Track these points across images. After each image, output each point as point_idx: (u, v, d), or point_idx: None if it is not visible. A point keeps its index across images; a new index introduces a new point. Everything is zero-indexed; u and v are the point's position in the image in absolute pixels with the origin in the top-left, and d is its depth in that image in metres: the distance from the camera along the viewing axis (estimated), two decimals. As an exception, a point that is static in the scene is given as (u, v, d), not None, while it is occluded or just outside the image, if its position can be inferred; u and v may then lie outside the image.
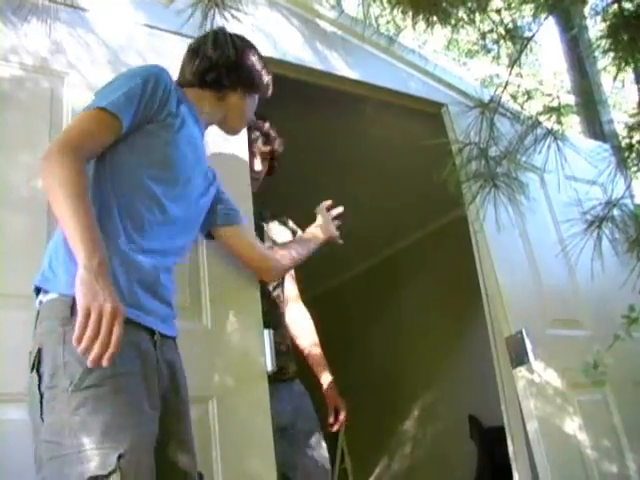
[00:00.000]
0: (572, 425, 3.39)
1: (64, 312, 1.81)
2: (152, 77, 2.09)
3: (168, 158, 2.10)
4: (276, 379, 2.83)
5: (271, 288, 3.15)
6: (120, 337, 1.66)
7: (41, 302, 1.90)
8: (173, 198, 2.11)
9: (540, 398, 3.35)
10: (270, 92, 2.57)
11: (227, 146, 2.91)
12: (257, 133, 3.16)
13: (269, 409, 2.60)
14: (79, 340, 1.62)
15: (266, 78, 2.50)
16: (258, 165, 3.15)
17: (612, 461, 3.46)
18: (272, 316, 3.00)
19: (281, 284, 3.26)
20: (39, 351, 1.80)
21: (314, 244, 2.95)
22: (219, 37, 2.40)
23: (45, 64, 2.60)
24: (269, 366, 2.67)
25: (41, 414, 1.75)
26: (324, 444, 3.13)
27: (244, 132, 3.01)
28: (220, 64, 2.35)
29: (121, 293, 1.87)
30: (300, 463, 3.01)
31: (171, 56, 2.72)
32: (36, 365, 1.79)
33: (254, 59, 2.45)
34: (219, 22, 2.38)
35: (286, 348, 3.14)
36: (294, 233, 3.36)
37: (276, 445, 2.60)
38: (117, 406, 1.74)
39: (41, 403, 1.74)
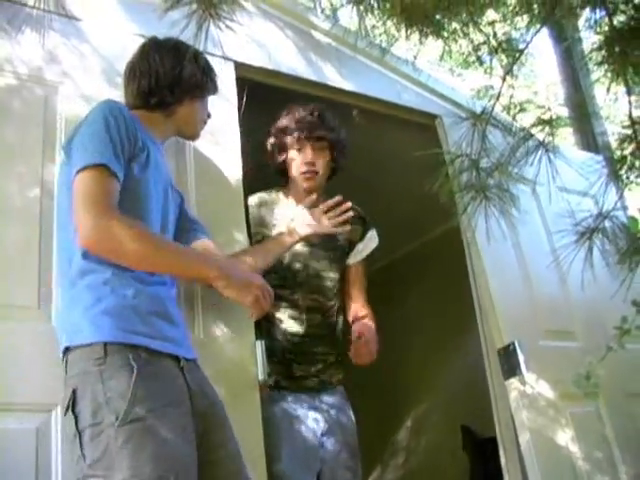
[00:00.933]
0: (564, 437, 3.39)
1: (98, 353, 1.86)
2: (119, 116, 2.10)
3: (143, 195, 2.13)
4: (319, 389, 3.01)
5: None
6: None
7: (68, 351, 1.93)
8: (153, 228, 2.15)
9: (532, 410, 3.35)
10: (218, 88, 2.58)
11: (218, 153, 2.93)
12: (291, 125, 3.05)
13: (260, 419, 2.60)
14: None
15: (210, 78, 2.49)
16: (307, 157, 3.03)
17: (604, 473, 3.46)
18: (324, 326, 3.08)
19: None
20: (74, 392, 1.84)
21: (280, 248, 2.82)
22: (150, 52, 2.40)
23: (39, 73, 2.61)
24: (260, 376, 2.66)
25: (82, 451, 1.79)
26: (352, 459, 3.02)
27: (237, 142, 3.01)
28: (160, 85, 2.34)
29: (142, 324, 1.95)
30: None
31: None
32: (71, 406, 1.83)
33: (193, 65, 2.41)
34: (213, 32, 2.38)
35: (334, 359, 3.11)
36: None
37: (313, 452, 2.86)
38: (162, 438, 1.80)
39: (81, 441, 1.79)
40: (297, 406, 2.93)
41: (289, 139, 3.03)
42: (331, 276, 3.13)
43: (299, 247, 3.02)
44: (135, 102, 2.37)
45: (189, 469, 1.84)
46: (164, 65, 2.34)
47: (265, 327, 2.95)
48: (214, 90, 2.54)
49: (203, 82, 2.44)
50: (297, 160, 3.05)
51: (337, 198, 2.89)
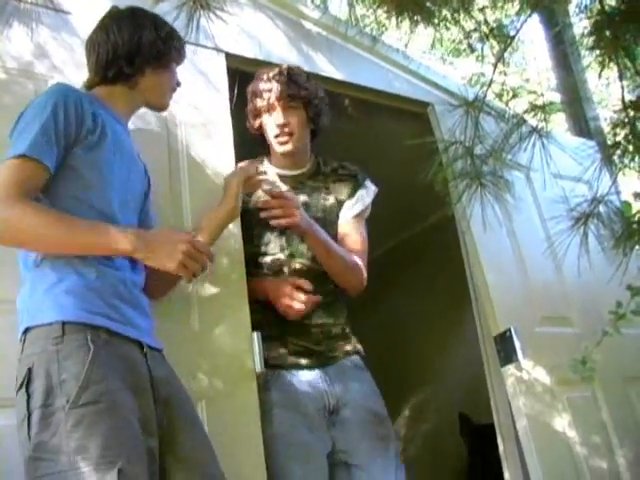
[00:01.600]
0: (561, 422, 3.40)
1: (56, 332, 1.83)
2: (60, 102, 2.05)
3: (100, 180, 2.08)
4: (320, 364, 2.76)
5: None
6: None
7: (27, 331, 1.90)
8: (121, 212, 2.12)
9: (529, 396, 3.36)
10: (184, 55, 2.48)
11: (210, 145, 2.92)
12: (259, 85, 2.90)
13: (258, 410, 2.59)
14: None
15: (172, 46, 2.37)
16: (278, 118, 2.86)
17: (602, 457, 3.47)
18: (319, 294, 2.76)
19: None
20: (29, 370, 1.81)
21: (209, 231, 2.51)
22: (108, 24, 2.32)
23: (29, 68, 2.59)
24: (257, 367, 2.66)
25: (28, 432, 1.76)
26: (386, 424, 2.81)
27: (229, 133, 3.00)
28: (117, 55, 2.26)
29: (104, 306, 1.93)
30: (359, 446, 2.67)
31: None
32: (25, 384, 1.80)
33: (152, 33, 2.30)
34: (204, 23, 2.37)
35: (340, 330, 2.87)
36: None
37: (326, 431, 2.66)
38: (113, 422, 1.76)
39: (29, 422, 1.76)
40: (296, 386, 2.70)
41: (259, 102, 2.89)
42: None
43: None
44: (95, 78, 2.31)
45: (139, 456, 1.79)
46: (122, 35, 2.26)
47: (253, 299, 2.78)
48: (179, 58, 2.44)
49: (165, 50, 2.33)
50: (269, 123, 2.90)
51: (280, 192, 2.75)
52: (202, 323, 2.62)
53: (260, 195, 2.80)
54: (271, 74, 2.88)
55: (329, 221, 2.93)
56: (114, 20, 2.31)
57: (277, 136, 2.87)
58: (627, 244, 2.67)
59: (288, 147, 2.87)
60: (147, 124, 2.78)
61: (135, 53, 2.26)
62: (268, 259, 2.84)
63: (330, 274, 2.84)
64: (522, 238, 3.84)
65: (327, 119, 3.01)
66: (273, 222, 2.68)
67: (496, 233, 3.61)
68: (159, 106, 2.48)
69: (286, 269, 2.82)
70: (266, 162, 3.01)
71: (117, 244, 1.96)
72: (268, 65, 3.19)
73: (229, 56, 3.18)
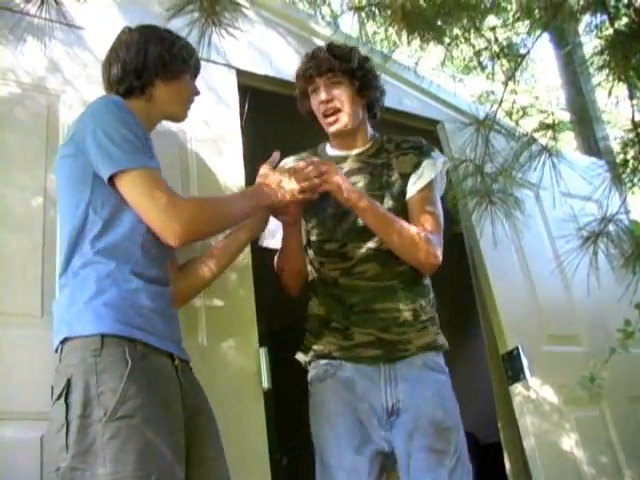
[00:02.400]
0: (569, 442, 3.39)
1: (95, 344, 1.86)
2: (132, 114, 2.13)
3: None
4: (388, 358, 2.52)
5: None
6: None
7: (66, 341, 1.92)
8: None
9: (537, 415, 3.35)
10: (199, 63, 2.49)
11: (221, 161, 2.93)
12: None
13: (265, 426, 2.60)
14: None
15: (180, 56, 2.38)
16: (321, 95, 2.69)
17: (609, 477, 3.46)
18: (388, 276, 2.59)
19: None
20: (68, 381, 1.83)
21: (235, 246, 2.54)
22: (117, 44, 2.35)
23: (41, 82, 2.61)
24: (265, 384, 2.66)
25: (66, 441, 1.78)
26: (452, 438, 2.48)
27: (239, 149, 3.02)
28: (126, 72, 2.30)
29: (141, 319, 1.96)
30: (411, 459, 2.43)
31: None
32: (64, 395, 1.82)
33: (157, 46, 2.33)
34: (215, 40, 2.39)
35: (411, 316, 2.58)
36: None
37: (381, 430, 2.45)
38: (148, 436, 1.80)
39: (67, 431, 1.78)
40: (356, 379, 2.51)
41: (302, 83, 2.76)
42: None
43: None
44: (111, 94, 2.34)
45: (173, 471, 1.84)
46: (130, 53, 2.30)
47: (321, 291, 2.66)
48: (189, 69, 2.44)
49: (172, 61, 2.34)
50: (315, 104, 2.74)
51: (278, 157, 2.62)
52: (210, 339, 2.62)
53: None
54: (311, 52, 2.77)
55: (392, 197, 2.67)
56: (123, 40, 2.35)
57: (325, 116, 2.72)
58: (636, 263, 2.66)
59: (337, 126, 2.70)
60: (157, 139, 2.78)
61: (142, 67, 2.30)
62: (332, 246, 2.66)
63: (393, 250, 2.57)
64: (530, 256, 3.84)
65: (380, 94, 2.84)
66: (312, 191, 2.47)
67: (505, 251, 3.61)
68: (175, 116, 2.50)
69: (351, 254, 2.62)
70: (328, 146, 2.87)
71: (261, 202, 2.38)
72: (279, 82, 3.21)
73: (240, 72, 3.19)
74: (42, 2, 2.31)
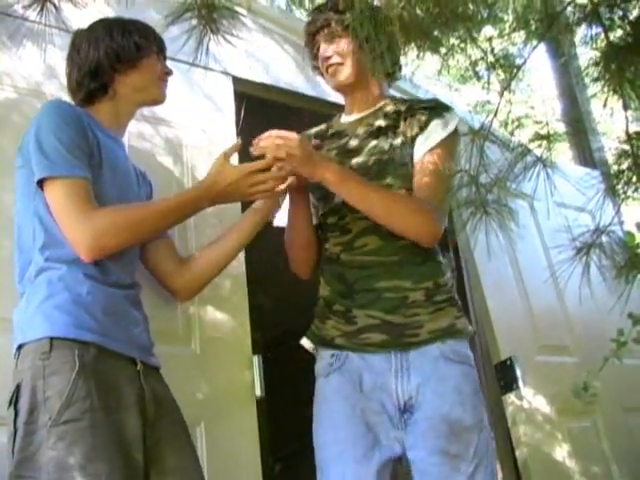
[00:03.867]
0: (561, 452, 3.40)
1: (44, 348, 1.82)
2: (75, 118, 2.08)
3: (97, 194, 2.06)
4: (397, 343, 2.24)
5: None
6: None
7: (21, 347, 1.89)
8: None
9: (529, 425, 3.35)
10: (159, 40, 2.39)
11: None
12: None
13: (257, 434, 2.60)
14: None
15: (132, 42, 2.28)
16: (324, 47, 2.51)
17: (602, 488, 3.47)
18: (390, 251, 2.33)
19: None
20: (18, 386, 1.81)
21: (255, 216, 2.44)
22: (70, 49, 2.30)
23: (38, 87, 2.61)
24: (258, 391, 2.66)
25: (13, 447, 1.75)
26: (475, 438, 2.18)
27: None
28: (81, 75, 2.25)
29: (94, 321, 1.91)
30: (424, 463, 2.16)
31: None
32: (14, 401, 1.80)
33: (105, 41, 2.25)
34: (212, 47, 2.39)
35: (423, 296, 2.29)
36: None
37: (393, 430, 2.19)
38: (95, 440, 1.74)
39: (14, 438, 1.75)
40: (363, 373, 2.27)
41: (308, 42, 2.61)
42: (389, 183, 2.39)
43: (339, 158, 2.46)
44: (76, 102, 2.30)
45: (120, 475, 1.76)
46: (80, 55, 2.25)
47: (327, 270, 2.44)
48: (146, 52, 2.32)
49: (124, 53, 2.26)
50: (319, 63, 2.57)
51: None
52: (203, 346, 2.62)
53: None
54: (311, 10, 2.60)
55: (391, 165, 2.41)
56: (76, 42, 2.30)
57: (327, 70, 2.52)
58: (630, 274, 2.67)
59: (339, 77, 2.50)
60: (153, 146, 2.80)
61: (96, 66, 2.24)
62: (333, 218, 2.44)
63: (384, 225, 2.31)
64: (524, 266, 3.86)
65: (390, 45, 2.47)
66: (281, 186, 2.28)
67: (498, 261, 3.62)
68: (149, 101, 2.41)
69: (350, 226, 2.39)
70: (342, 115, 2.67)
71: (197, 206, 2.20)
72: (275, 90, 3.21)
73: (236, 80, 3.20)
74: (42, 8, 2.30)
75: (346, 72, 2.48)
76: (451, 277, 2.43)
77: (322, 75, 2.62)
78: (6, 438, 1.82)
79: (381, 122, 2.50)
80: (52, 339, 1.83)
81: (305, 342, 2.43)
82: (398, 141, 2.44)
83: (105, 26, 2.29)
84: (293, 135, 2.25)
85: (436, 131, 2.44)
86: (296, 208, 2.47)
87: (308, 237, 2.50)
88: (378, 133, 2.48)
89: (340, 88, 2.57)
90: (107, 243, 1.97)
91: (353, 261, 2.35)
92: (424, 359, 2.23)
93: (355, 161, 2.44)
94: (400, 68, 2.60)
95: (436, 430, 2.15)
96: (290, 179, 2.28)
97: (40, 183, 1.99)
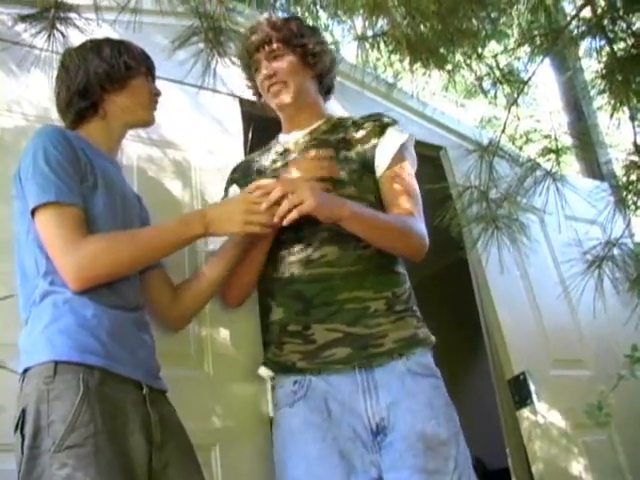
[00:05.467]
0: (577, 466, 3.37)
1: (48, 372, 1.80)
2: (65, 142, 2.06)
3: (92, 216, 2.04)
4: (362, 356, 2.19)
5: None
6: None
7: (26, 372, 1.87)
8: None
9: (545, 440, 3.33)
10: (149, 61, 2.36)
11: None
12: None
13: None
14: None
15: (121, 62, 2.26)
16: (265, 69, 2.48)
17: (619, 502, 3.45)
18: (350, 261, 2.27)
19: None
20: (23, 411, 1.79)
21: (234, 248, 2.36)
22: (59, 71, 2.28)
23: (46, 114, 2.62)
24: (271, 412, 2.65)
25: (19, 473, 1.73)
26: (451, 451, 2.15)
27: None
28: (70, 95, 2.24)
29: (99, 345, 1.89)
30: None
31: (173, 105, 2.75)
32: (20, 426, 1.78)
33: (94, 61, 2.24)
34: (219, 70, 2.40)
35: (385, 305, 2.25)
36: None
37: (368, 455, 2.13)
38: (98, 466, 1.71)
39: (21, 463, 1.73)
40: (328, 399, 2.20)
41: (245, 63, 2.56)
42: (351, 194, 2.32)
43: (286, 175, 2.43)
44: (67, 123, 2.30)
45: None
46: (69, 75, 2.24)
47: (278, 292, 2.36)
48: (136, 72, 2.30)
49: (114, 72, 2.25)
50: (260, 81, 2.53)
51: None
52: (216, 368, 2.61)
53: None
54: (249, 28, 2.54)
55: (351, 175, 2.39)
56: (64, 63, 2.29)
57: (268, 89, 2.50)
58: (642, 287, 2.67)
59: (284, 97, 2.49)
60: (162, 169, 2.80)
61: (85, 86, 2.22)
62: (289, 233, 2.33)
63: (385, 249, 2.30)
64: (535, 280, 3.84)
65: (330, 62, 2.60)
66: (284, 221, 2.13)
67: (510, 276, 3.61)
68: (138, 122, 2.39)
69: (308, 239, 2.32)
70: (279, 136, 2.66)
71: (187, 234, 2.11)
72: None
73: (243, 101, 3.20)
74: (49, 35, 2.32)
75: (290, 91, 2.47)
76: (408, 288, 2.40)
77: (258, 95, 2.63)
78: (9, 465, 1.81)
79: (326, 136, 2.49)
80: (56, 363, 1.81)
81: (262, 371, 2.39)
82: (353, 153, 2.43)
83: (94, 46, 2.27)
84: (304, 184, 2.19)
85: (392, 140, 2.43)
86: (258, 244, 2.39)
87: (256, 275, 2.46)
88: (328, 148, 2.45)
89: (284, 107, 2.53)
90: (94, 273, 1.94)
91: (312, 275, 2.28)
92: (391, 376, 2.18)
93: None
94: (332, 87, 2.66)
95: (413, 449, 2.10)
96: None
97: (32, 211, 1.97)
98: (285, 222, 2.12)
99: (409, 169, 2.45)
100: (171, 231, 2.12)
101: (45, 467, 1.69)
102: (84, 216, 1.99)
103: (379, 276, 2.30)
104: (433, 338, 2.36)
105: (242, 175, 2.61)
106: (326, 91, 2.65)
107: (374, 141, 2.42)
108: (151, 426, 1.92)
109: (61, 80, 2.27)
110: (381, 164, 2.40)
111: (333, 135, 2.49)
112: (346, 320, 2.21)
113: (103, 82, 2.23)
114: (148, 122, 2.39)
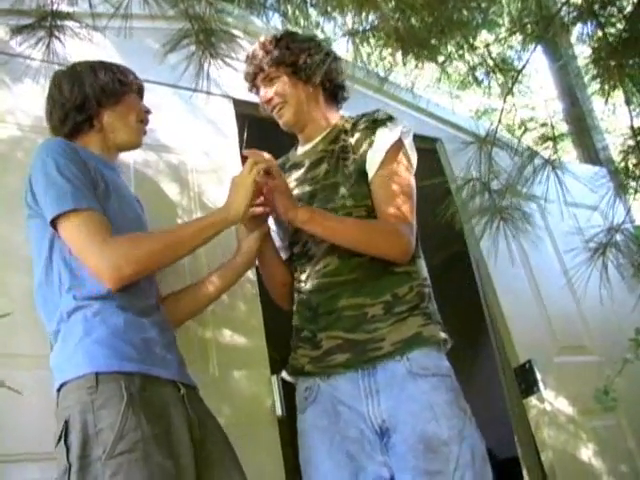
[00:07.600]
0: (587, 452, 3.37)
1: (90, 383, 1.84)
2: (72, 152, 2.09)
3: (116, 230, 2.06)
4: (361, 360, 2.23)
5: None
6: None
7: (63, 386, 1.90)
8: None
9: (553, 427, 3.33)
10: (139, 81, 2.41)
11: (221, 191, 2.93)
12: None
13: (280, 455, 2.58)
14: None
15: (119, 77, 2.33)
16: (263, 91, 2.56)
17: (630, 486, 3.44)
18: (348, 269, 2.34)
19: None
20: (66, 422, 1.81)
21: (233, 274, 2.45)
22: (51, 89, 2.32)
23: (41, 123, 2.60)
24: (279, 411, 2.65)
25: None
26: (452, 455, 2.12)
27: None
28: (65, 111, 2.27)
29: (135, 351, 1.93)
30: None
31: (166, 109, 2.74)
32: (63, 437, 1.80)
33: (90, 77, 2.29)
34: (212, 72, 2.39)
35: (383, 310, 2.27)
36: None
37: (378, 455, 2.16)
38: (149, 470, 1.76)
39: (69, 474, 1.75)
40: (334, 401, 2.25)
41: (252, 89, 2.64)
42: (345, 203, 2.39)
43: (297, 190, 2.51)
44: (61, 137, 2.28)
45: None
46: (63, 93, 2.27)
47: (296, 299, 2.45)
48: (129, 89, 2.36)
49: (109, 86, 2.29)
50: (263, 104, 2.61)
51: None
52: (221, 369, 2.61)
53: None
54: (246, 56, 2.58)
55: (347, 183, 2.43)
56: (56, 83, 2.32)
57: (272, 111, 2.58)
58: (646, 271, 2.66)
59: (285, 116, 2.55)
60: (158, 172, 2.80)
61: (82, 100, 2.26)
62: (298, 247, 2.48)
63: (359, 251, 2.33)
64: (537, 269, 3.84)
65: (329, 70, 2.57)
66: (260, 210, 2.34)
67: (511, 265, 3.61)
68: (128, 144, 2.40)
69: (313, 252, 2.42)
70: (292, 151, 2.71)
71: (221, 222, 2.18)
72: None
73: (237, 102, 3.20)
74: (48, 44, 2.31)
75: (288, 112, 2.53)
76: (417, 284, 2.38)
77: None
78: (37, 475, 1.81)
79: (330, 146, 2.52)
80: (97, 374, 1.84)
81: (285, 375, 2.44)
82: (350, 160, 2.46)
83: (88, 66, 2.32)
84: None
85: (381, 142, 2.44)
86: (264, 250, 2.48)
87: (282, 274, 2.54)
88: (331, 158, 2.49)
89: (288, 126, 2.58)
90: (128, 272, 1.98)
91: (315, 285, 2.37)
92: (392, 379, 2.20)
93: (311, 189, 2.48)
94: (345, 91, 2.66)
95: (414, 451, 2.11)
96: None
97: (53, 223, 2.00)
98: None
99: (400, 168, 2.44)
100: (196, 220, 2.28)
101: (98, 475, 1.73)
102: (104, 219, 2.02)
103: (377, 281, 2.33)
104: (442, 335, 2.34)
105: None
106: (334, 97, 2.65)
107: (365, 146, 2.45)
108: (192, 425, 1.97)
109: (53, 99, 2.29)
110: (370, 168, 2.43)
111: (336, 144, 2.52)
112: (346, 327, 2.27)
113: (99, 96, 2.27)
114: (136, 144, 2.42)
